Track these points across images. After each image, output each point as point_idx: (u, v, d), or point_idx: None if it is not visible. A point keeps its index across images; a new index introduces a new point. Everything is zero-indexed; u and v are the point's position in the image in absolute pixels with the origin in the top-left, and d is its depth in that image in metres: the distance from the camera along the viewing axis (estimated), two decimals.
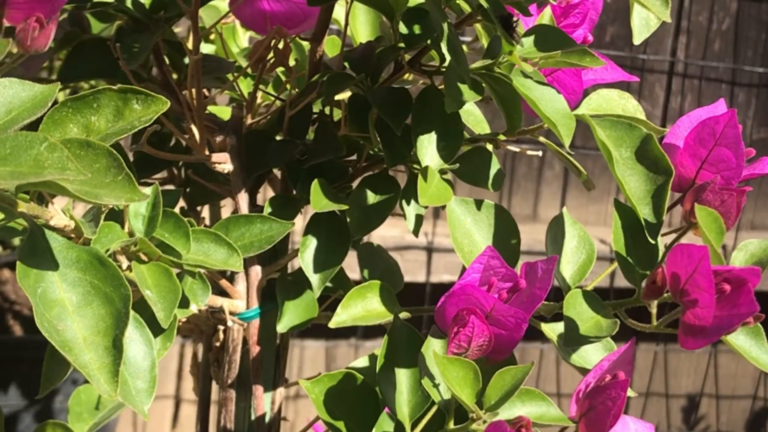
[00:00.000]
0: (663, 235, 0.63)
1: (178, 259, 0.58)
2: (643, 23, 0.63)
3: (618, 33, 1.95)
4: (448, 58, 0.67)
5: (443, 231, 1.91)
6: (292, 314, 0.68)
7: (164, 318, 0.56)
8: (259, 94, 0.79)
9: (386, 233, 1.80)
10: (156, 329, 0.60)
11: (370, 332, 1.97)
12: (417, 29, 0.64)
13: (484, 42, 0.72)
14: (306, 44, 0.83)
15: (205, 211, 0.82)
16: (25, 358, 1.05)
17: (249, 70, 0.79)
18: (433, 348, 0.56)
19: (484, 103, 0.76)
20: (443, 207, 0.69)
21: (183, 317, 0.68)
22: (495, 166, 0.68)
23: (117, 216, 0.59)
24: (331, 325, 0.65)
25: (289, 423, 1.85)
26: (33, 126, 0.48)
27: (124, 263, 0.58)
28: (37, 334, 1.25)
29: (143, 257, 0.58)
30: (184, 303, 0.62)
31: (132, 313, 0.58)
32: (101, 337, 0.49)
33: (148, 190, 0.58)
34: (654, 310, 0.58)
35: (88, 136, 0.50)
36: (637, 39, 0.64)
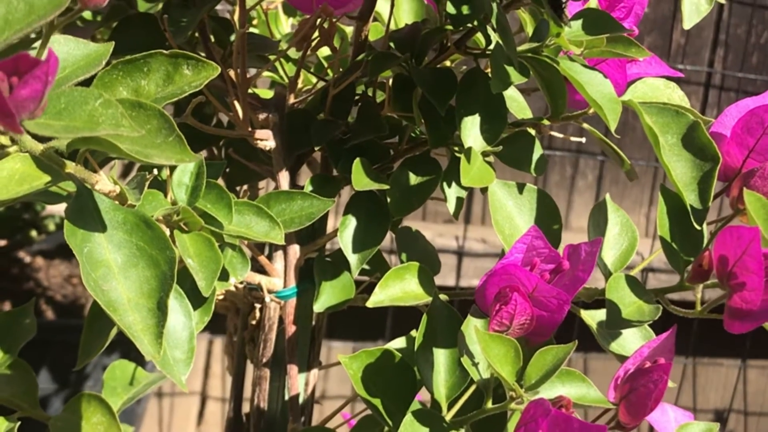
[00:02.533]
0: (708, 224, 0.62)
1: (219, 229, 0.58)
2: (694, 8, 0.63)
3: (655, 43, 1.95)
4: (494, 40, 0.67)
5: (474, 235, 1.91)
6: (329, 294, 0.68)
7: (205, 286, 0.56)
8: (301, 78, 0.79)
9: None
10: (195, 302, 0.60)
11: (396, 333, 1.96)
12: (465, 9, 0.63)
13: (529, 30, 0.71)
14: (348, 30, 0.83)
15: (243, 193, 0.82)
16: (56, 342, 1.05)
17: (291, 55, 0.79)
18: (474, 325, 0.56)
19: (526, 95, 0.76)
20: (483, 190, 0.69)
21: (221, 291, 0.68)
22: (538, 151, 0.68)
23: (160, 186, 0.60)
24: (369, 304, 0.65)
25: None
26: (84, 87, 0.48)
27: (166, 232, 0.58)
28: (68, 318, 1.26)
29: (185, 227, 0.58)
30: (224, 276, 0.62)
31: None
32: (146, 299, 0.49)
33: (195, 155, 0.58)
34: (699, 295, 0.57)
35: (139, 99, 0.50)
36: (687, 23, 0.63)
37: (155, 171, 0.57)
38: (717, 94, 2.04)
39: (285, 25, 0.88)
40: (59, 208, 1.37)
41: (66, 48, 0.46)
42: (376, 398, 0.59)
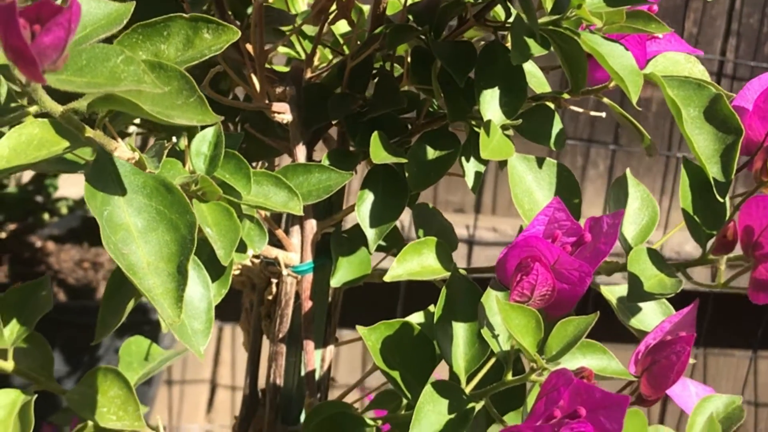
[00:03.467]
0: (731, 198, 0.61)
1: (238, 199, 0.58)
2: None
3: None
4: (514, 13, 0.66)
5: (484, 224, 1.90)
6: (345, 270, 0.68)
7: (224, 255, 0.55)
8: (317, 56, 0.79)
9: None
10: (212, 274, 0.59)
11: None
12: None
13: (547, 5, 0.71)
14: (366, 7, 0.83)
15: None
16: (69, 323, 1.05)
17: (308, 32, 0.79)
18: (495, 296, 0.55)
19: (545, 73, 0.75)
20: (502, 165, 0.69)
21: (237, 265, 0.67)
22: (557, 125, 0.67)
23: (178, 156, 0.59)
24: (387, 278, 0.64)
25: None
26: None
27: (187, 199, 0.57)
28: (80, 300, 1.25)
29: (203, 196, 0.58)
30: (242, 248, 0.61)
31: None
32: (165, 263, 0.48)
33: (210, 130, 0.58)
34: (722, 267, 0.57)
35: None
36: None
37: (174, 139, 0.57)
38: (729, 83, 2.03)
39: (301, 3, 0.88)
40: (72, 191, 1.37)
41: (86, 7, 0.45)
42: (395, 371, 0.59)
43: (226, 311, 1.82)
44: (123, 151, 0.53)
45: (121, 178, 0.49)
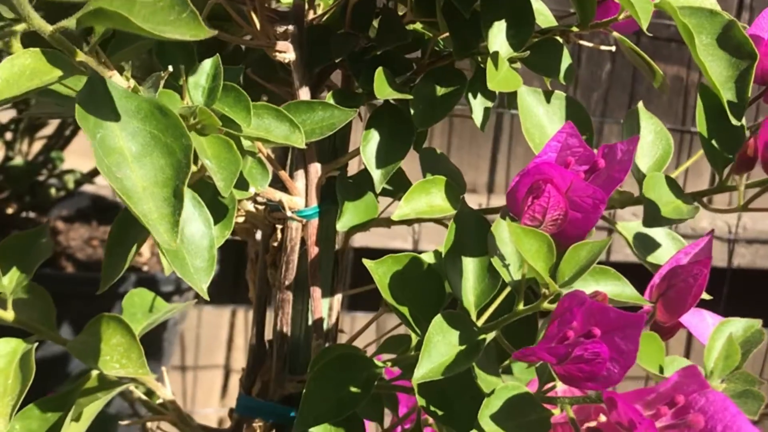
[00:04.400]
0: (748, 128, 0.60)
1: (238, 132, 0.56)
2: None
3: None
4: None
5: (497, 203, 1.88)
6: (352, 214, 0.66)
7: (224, 187, 0.54)
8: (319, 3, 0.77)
9: None
10: (215, 216, 0.58)
11: None
12: None
13: None
14: None
15: None
16: (77, 294, 1.03)
17: None
18: (505, 226, 0.53)
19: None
20: (510, 103, 0.67)
21: (241, 209, 0.66)
22: (566, 59, 0.65)
23: (175, 90, 0.58)
24: (394, 217, 0.63)
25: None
26: None
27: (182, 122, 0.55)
28: (88, 271, 1.24)
29: (202, 130, 0.56)
30: (244, 185, 0.60)
31: (190, 192, 0.56)
32: (160, 188, 0.47)
33: (208, 62, 0.57)
34: (742, 188, 0.55)
35: None
36: None
37: (170, 68, 0.55)
38: None
39: None
40: (79, 164, 1.36)
41: None
42: (404, 306, 0.57)
43: (238, 294, 1.80)
44: (118, 79, 0.52)
45: (114, 101, 0.47)
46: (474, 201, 1.96)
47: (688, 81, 1.99)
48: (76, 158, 1.33)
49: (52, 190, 1.28)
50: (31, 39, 0.49)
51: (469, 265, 0.57)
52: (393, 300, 0.57)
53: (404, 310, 0.57)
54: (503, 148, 1.88)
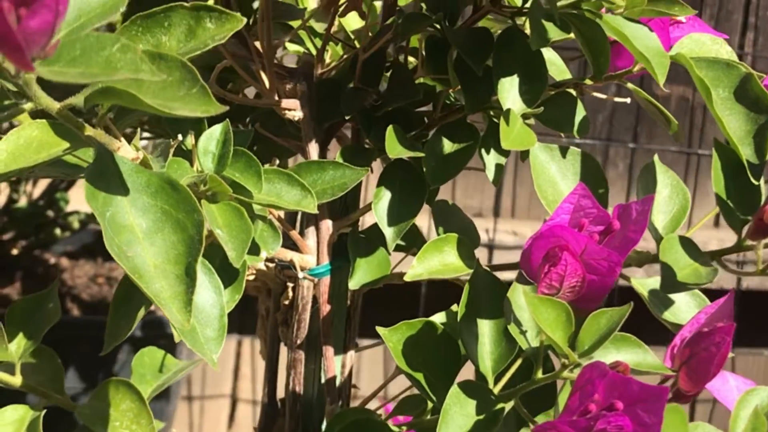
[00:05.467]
0: (765, 181, 0.59)
1: (249, 198, 0.55)
2: None
3: None
4: None
5: (504, 228, 1.87)
6: (364, 271, 0.65)
7: (236, 257, 0.53)
8: (328, 53, 0.76)
9: None
10: (225, 280, 0.57)
11: None
12: None
13: None
14: (377, 3, 0.80)
15: None
16: (84, 339, 1.03)
17: (317, 29, 0.76)
18: (522, 290, 0.52)
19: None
20: (524, 156, 0.66)
21: (252, 269, 0.65)
22: (581, 112, 0.64)
23: (185, 156, 0.57)
24: (407, 278, 0.61)
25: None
26: None
27: (193, 197, 0.55)
28: (95, 315, 1.23)
29: (213, 197, 0.55)
30: (255, 251, 0.59)
31: (200, 259, 0.55)
32: (173, 265, 0.46)
33: (218, 127, 0.56)
34: (760, 252, 0.54)
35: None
36: None
37: (179, 137, 0.54)
38: None
39: (311, 0, 0.86)
40: (84, 205, 1.35)
41: None
42: (419, 372, 0.56)
43: (244, 324, 1.79)
44: (126, 150, 0.51)
45: (123, 176, 0.47)
46: (481, 225, 1.95)
47: (694, 101, 1.99)
48: (81, 198, 1.32)
49: (57, 231, 1.27)
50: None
51: (485, 329, 0.56)
52: (407, 367, 0.56)
53: (419, 376, 0.56)
54: (509, 172, 1.87)
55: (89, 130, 0.48)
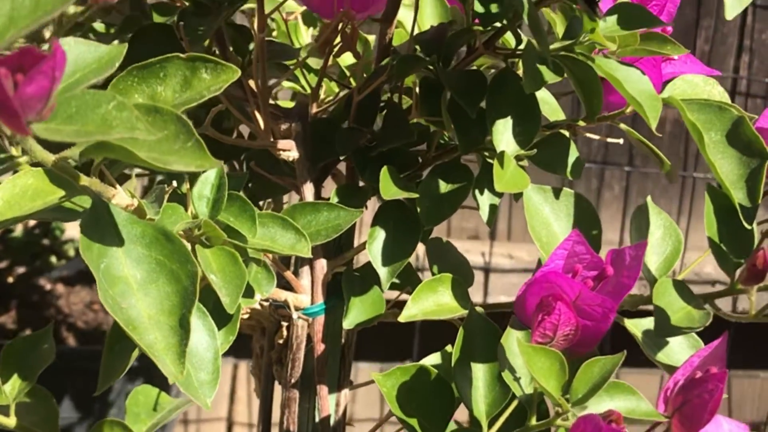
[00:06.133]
0: (758, 223, 0.59)
1: (243, 243, 0.55)
2: None
3: None
4: (524, 39, 0.64)
5: (500, 251, 1.87)
6: (358, 310, 0.65)
7: (230, 303, 0.53)
8: (323, 89, 0.77)
9: None
10: (219, 321, 0.57)
11: (424, 354, 1.93)
12: (494, 7, 0.61)
13: (559, 30, 0.69)
14: (371, 38, 0.81)
15: (266, 209, 0.79)
16: (79, 369, 1.03)
17: (312, 65, 0.77)
18: (515, 338, 0.53)
19: (557, 99, 0.73)
20: (517, 197, 0.66)
21: (246, 309, 0.65)
22: (573, 154, 0.65)
23: (180, 199, 0.57)
24: (401, 319, 0.62)
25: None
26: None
27: (187, 247, 0.55)
28: (90, 344, 1.23)
29: (207, 241, 0.55)
30: (249, 293, 0.59)
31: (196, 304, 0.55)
32: (167, 316, 0.46)
33: (212, 172, 0.56)
34: (753, 298, 0.54)
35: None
36: (729, 14, 0.60)
37: (174, 183, 0.54)
38: (743, 100, 2.00)
39: (305, 36, 0.86)
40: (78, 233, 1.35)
41: (76, 51, 0.43)
42: (413, 418, 0.56)
43: (241, 347, 1.79)
44: (121, 197, 0.51)
45: (118, 227, 0.47)
46: (477, 248, 1.96)
47: None
48: (76, 226, 1.32)
49: (53, 259, 1.27)
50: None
51: (479, 373, 0.57)
52: (401, 412, 0.56)
53: (413, 422, 0.56)
54: (505, 196, 1.87)
55: (84, 180, 0.48)
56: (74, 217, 0.56)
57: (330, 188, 0.71)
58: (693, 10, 1.93)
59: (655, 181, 1.92)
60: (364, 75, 0.66)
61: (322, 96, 0.76)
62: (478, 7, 0.61)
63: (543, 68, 0.60)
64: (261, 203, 0.75)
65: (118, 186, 0.52)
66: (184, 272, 0.47)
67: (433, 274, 0.67)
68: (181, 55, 0.48)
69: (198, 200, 0.55)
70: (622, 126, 0.66)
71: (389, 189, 0.62)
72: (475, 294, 1.86)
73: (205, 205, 0.55)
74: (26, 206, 0.48)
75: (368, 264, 0.66)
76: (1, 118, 0.34)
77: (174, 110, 0.44)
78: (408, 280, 0.69)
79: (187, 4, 0.66)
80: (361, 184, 0.68)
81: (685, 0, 1.96)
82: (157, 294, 0.46)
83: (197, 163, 0.43)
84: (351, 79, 0.74)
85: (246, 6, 0.75)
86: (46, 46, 0.41)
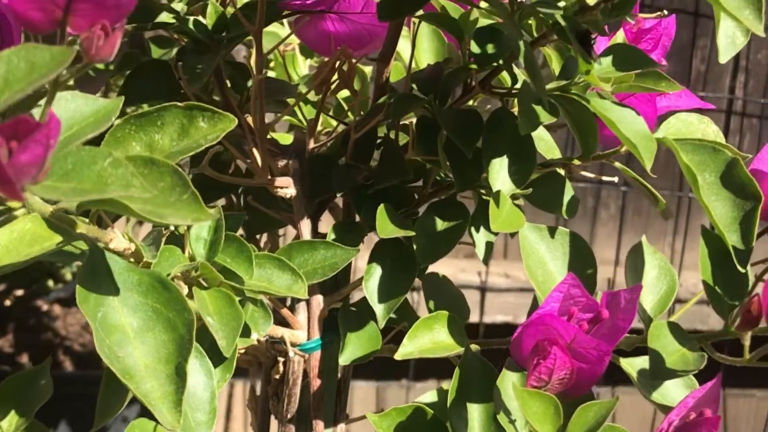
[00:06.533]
0: (752, 265, 0.59)
1: (240, 284, 0.56)
2: (730, 41, 0.60)
3: (674, 71, 1.92)
4: (520, 79, 0.64)
5: (496, 270, 1.87)
6: (354, 346, 0.65)
7: (227, 346, 0.53)
8: (320, 121, 0.77)
9: (439, 271, 1.77)
10: (215, 359, 0.57)
11: (420, 374, 1.94)
12: (490, 48, 0.61)
13: (555, 67, 0.69)
14: (368, 70, 0.81)
15: (263, 241, 0.79)
16: (76, 395, 1.03)
17: (310, 97, 0.77)
18: (511, 380, 0.53)
19: (551, 132, 0.73)
20: (512, 234, 0.66)
21: (242, 347, 0.65)
22: (569, 192, 0.65)
23: (177, 240, 0.57)
24: (398, 356, 0.62)
25: None
26: (94, 143, 0.46)
27: (185, 289, 0.55)
28: (87, 369, 1.23)
29: (204, 283, 0.56)
30: (245, 332, 0.59)
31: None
32: (163, 365, 0.46)
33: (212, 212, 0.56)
34: (747, 343, 0.54)
35: (152, 155, 0.48)
36: (723, 58, 0.60)
37: (171, 226, 0.55)
38: (739, 120, 2.01)
39: (303, 67, 0.86)
40: None
41: (74, 105, 0.44)
42: None
43: (236, 367, 1.79)
44: (119, 241, 0.51)
45: (114, 276, 0.47)
46: (473, 268, 1.96)
47: None
48: None
49: (50, 282, 1.27)
50: None
51: (475, 413, 0.57)
52: None
53: None
54: None
55: (82, 227, 0.48)
56: (72, 259, 0.56)
57: (326, 219, 0.72)
58: (689, 31, 1.94)
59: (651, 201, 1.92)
60: (362, 113, 0.67)
61: (319, 128, 0.76)
62: (475, 48, 0.61)
63: (538, 109, 0.60)
64: (258, 236, 0.76)
65: (115, 230, 0.52)
66: (180, 320, 0.47)
67: (430, 310, 0.68)
68: (179, 104, 0.48)
69: (195, 242, 0.56)
70: (617, 164, 0.67)
71: (386, 227, 0.62)
72: (472, 313, 1.85)
73: (202, 246, 0.56)
74: (24, 252, 0.48)
75: (364, 298, 0.66)
76: None
77: (170, 162, 0.44)
78: (404, 315, 0.69)
79: (185, 40, 0.67)
80: (356, 218, 0.68)
81: (680, 20, 1.97)
82: (154, 342, 0.46)
83: (193, 216, 0.43)
84: (349, 113, 0.75)
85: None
86: (43, 101, 0.41)
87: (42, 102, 0.41)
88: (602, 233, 1.99)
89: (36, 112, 0.44)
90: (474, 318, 1.82)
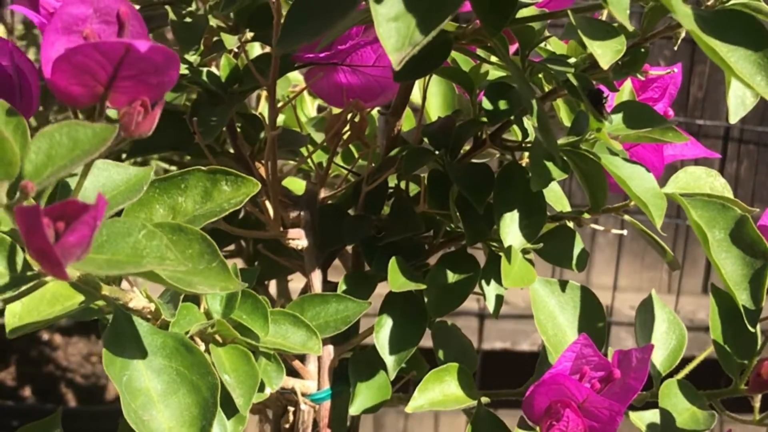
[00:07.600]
0: (761, 320, 0.60)
1: (256, 341, 0.56)
2: (739, 102, 0.61)
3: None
4: (531, 134, 0.65)
5: None
6: (364, 396, 0.66)
7: (243, 404, 0.54)
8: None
9: None
10: (227, 410, 0.58)
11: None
12: (502, 104, 0.62)
13: (563, 116, 0.70)
14: (374, 113, 0.82)
15: (272, 285, 0.80)
16: (83, 430, 1.03)
17: (317, 139, 0.78)
18: None
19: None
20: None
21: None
22: (578, 245, 0.66)
23: (194, 299, 0.58)
24: (408, 410, 0.62)
25: None
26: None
27: (201, 345, 0.56)
28: (90, 402, 1.23)
29: (219, 339, 0.56)
30: (259, 386, 0.60)
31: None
32: (187, 428, 0.47)
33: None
34: (757, 404, 0.55)
35: (175, 218, 0.49)
36: (733, 118, 0.61)
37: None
38: (736, 147, 2.02)
39: (311, 108, 0.87)
40: None
41: (106, 173, 0.44)
42: None
43: None
44: (139, 300, 0.52)
45: (140, 339, 0.48)
46: (472, 294, 1.96)
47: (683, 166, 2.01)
48: None
49: None
50: None
51: None
52: None
53: None
54: None
55: (105, 289, 0.49)
56: (92, 316, 0.57)
57: (335, 263, 0.72)
58: (686, 58, 1.95)
59: (649, 227, 1.93)
60: (372, 165, 0.67)
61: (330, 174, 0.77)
62: (487, 104, 0.62)
63: (550, 164, 0.61)
64: (267, 282, 0.76)
65: (135, 289, 0.53)
66: (204, 384, 0.47)
67: (439, 359, 0.68)
68: (202, 168, 0.49)
69: (212, 299, 0.56)
70: (626, 217, 0.68)
71: (398, 281, 0.63)
72: (470, 340, 1.86)
73: (219, 303, 0.56)
74: (45, 311, 0.49)
75: (374, 347, 0.67)
76: (42, 265, 0.35)
77: (198, 230, 0.45)
78: (414, 365, 0.69)
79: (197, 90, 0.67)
80: (366, 267, 0.69)
81: (678, 47, 1.98)
82: (178, 406, 0.47)
83: (222, 285, 0.44)
84: (362, 160, 0.75)
85: None
86: (78, 169, 0.41)
87: (77, 170, 0.42)
88: (600, 259, 2.00)
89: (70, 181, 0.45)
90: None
